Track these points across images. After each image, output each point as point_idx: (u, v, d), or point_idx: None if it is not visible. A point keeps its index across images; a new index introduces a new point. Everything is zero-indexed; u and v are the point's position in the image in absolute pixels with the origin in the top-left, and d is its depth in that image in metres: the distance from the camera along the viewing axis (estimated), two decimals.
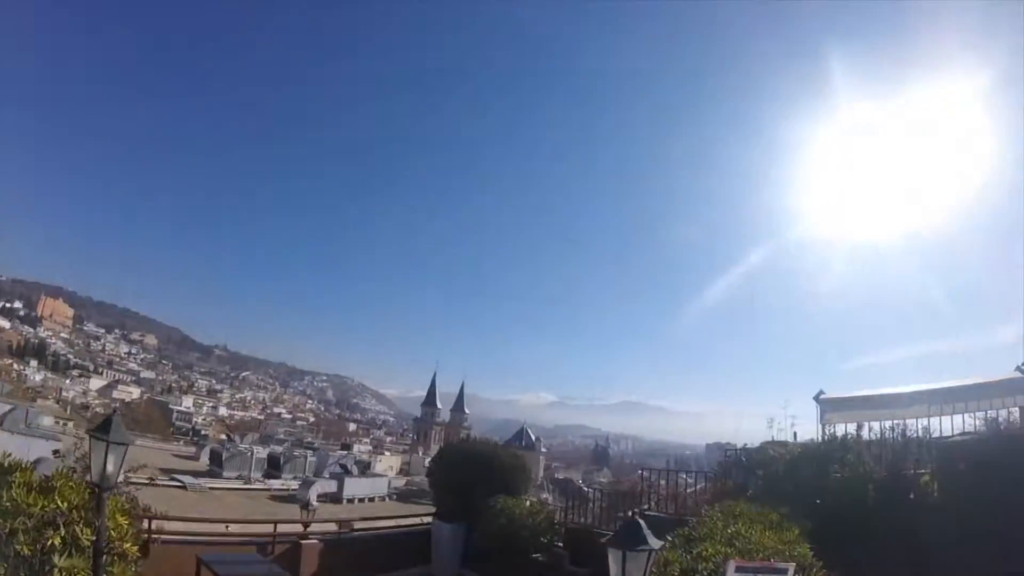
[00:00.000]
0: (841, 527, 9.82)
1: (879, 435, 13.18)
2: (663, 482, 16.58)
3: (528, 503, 17.36)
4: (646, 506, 15.45)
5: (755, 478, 13.01)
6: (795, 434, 41.75)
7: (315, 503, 17.66)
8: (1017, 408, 12.16)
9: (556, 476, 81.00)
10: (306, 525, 15.44)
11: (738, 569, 5.45)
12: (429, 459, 75.45)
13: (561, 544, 15.93)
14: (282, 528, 15.26)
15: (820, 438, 13.87)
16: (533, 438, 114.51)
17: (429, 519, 18.97)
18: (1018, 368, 12.17)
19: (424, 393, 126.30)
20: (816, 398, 14.70)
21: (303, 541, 14.93)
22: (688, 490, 15.45)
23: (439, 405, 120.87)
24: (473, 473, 17.58)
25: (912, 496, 11.33)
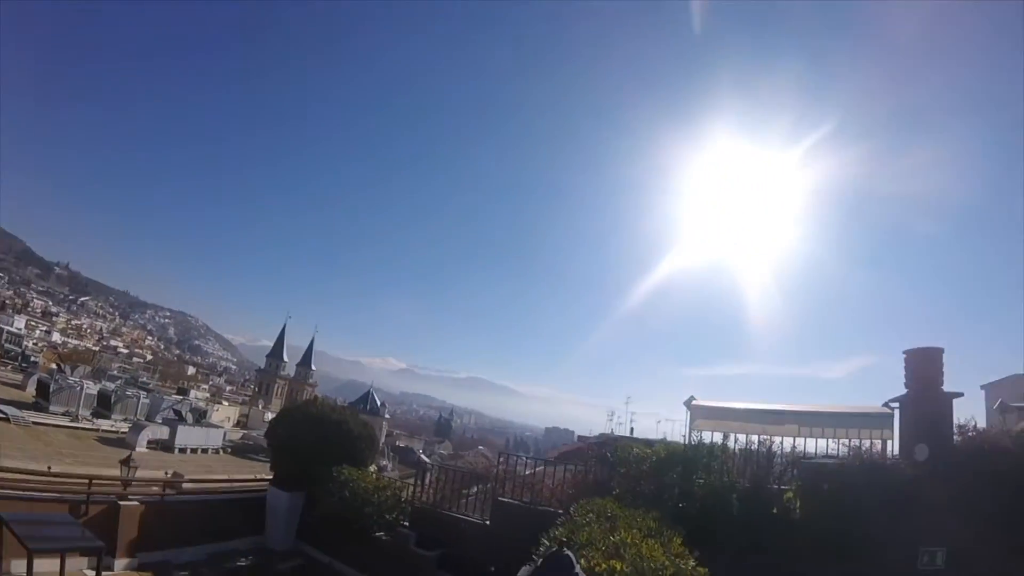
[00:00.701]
0: (704, 535, 9.52)
1: (744, 447, 13.11)
2: (525, 469, 15.86)
3: (374, 476, 16.29)
4: (500, 492, 14.66)
5: (618, 475, 12.52)
6: (631, 429, 42.48)
7: (136, 461, 16.09)
8: (881, 440, 12.44)
9: (397, 444, 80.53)
10: (126, 483, 13.81)
11: None
12: (270, 414, 73.73)
13: (407, 524, 15.00)
14: (101, 484, 13.40)
15: (687, 443, 13.52)
16: (379, 403, 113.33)
17: (266, 484, 17.39)
18: (886, 404, 12.59)
19: (271, 343, 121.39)
20: (687, 403, 14.49)
21: (122, 502, 12.96)
22: (546, 479, 14.66)
23: (286, 358, 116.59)
24: (318, 439, 16.23)
25: (775, 511, 11.30)
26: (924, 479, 10.89)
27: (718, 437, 13.29)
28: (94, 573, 10.30)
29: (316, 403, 18.31)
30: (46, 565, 9.21)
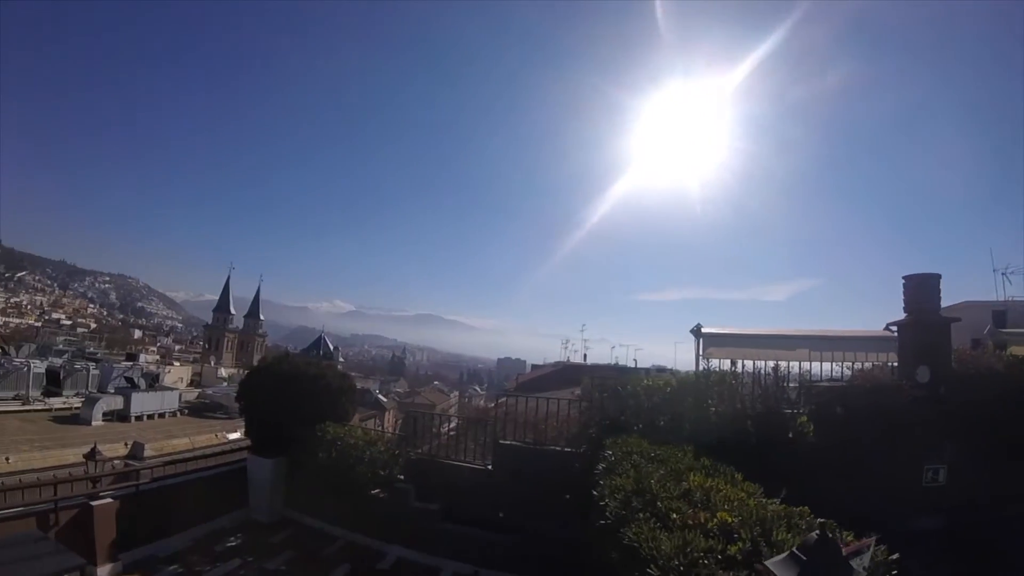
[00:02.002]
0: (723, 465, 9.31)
1: (754, 373, 12.94)
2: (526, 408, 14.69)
3: (360, 430, 15.41)
4: (501, 434, 14.09)
5: (630, 409, 12.05)
6: (585, 356, 42.87)
7: (98, 444, 15.27)
8: (884, 363, 12.88)
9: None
10: (95, 481, 12.86)
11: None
12: (223, 370, 72.58)
13: (403, 477, 14.32)
14: (69, 482, 12.34)
15: (697, 371, 13.35)
16: (331, 347, 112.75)
17: (244, 452, 16.67)
18: (888, 326, 13.13)
19: (215, 298, 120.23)
20: (695, 331, 14.27)
21: (95, 502, 11.63)
22: (549, 417, 14.12)
23: (233, 311, 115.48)
24: (295, 397, 15.25)
25: (790, 435, 11.18)
26: (926, 400, 11.12)
27: (727, 364, 13.10)
28: None
29: (287, 359, 17.34)
30: None
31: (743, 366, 13.15)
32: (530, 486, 12.42)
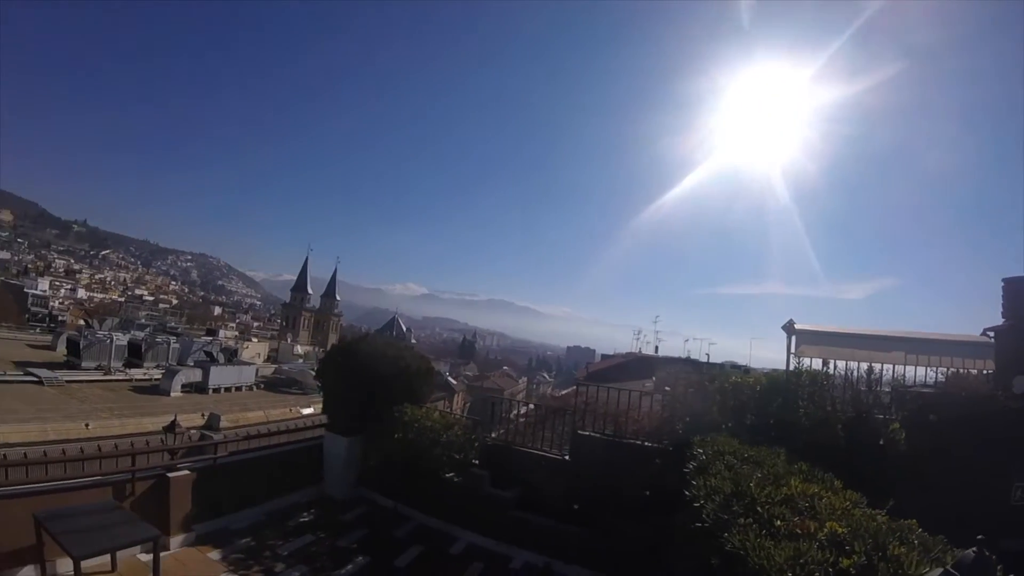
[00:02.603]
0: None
1: (844, 374, 12.46)
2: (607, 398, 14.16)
3: (438, 412, 15.38)
4: (580, 424, 13.74)
5: (717, 405, 11.59)
6: (656, 348, 42.21)
7: (181, 424, 15.47)
8: (980, 370, 12.41)
9: None
10: (173, 453, 12.91)
11: None
12: (299, 347, 74.01)
13: (477, 462, 14.28)
14: (147, 454, 12.07)
15: (787, 370, 12.93)
16: (404, 329, 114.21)
17: (321, 429, 16.57)
18: (985, 332, 12.37)
19: (292, 278, 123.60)
20: (786, 327, 13.86)
21: (171, 474, 11.71)
22: (631, 410, 13.73)
23: (310, 291, 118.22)
24: (374, 378, 15.25)
25: (881, 442, 10.80)
26: (1021, 413, 10.43)
27: (818, 364, 12.68)
28: (150, 557, 9.42)
29: (368, 339, 17.36)
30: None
31: (835, 366, 12.69)
32: (607, 480, 12.17)
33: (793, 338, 13.74)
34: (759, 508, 5.27)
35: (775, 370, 13.49)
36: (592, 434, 13.29)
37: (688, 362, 27.40)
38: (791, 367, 12.95)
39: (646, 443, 12.39)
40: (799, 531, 4.61)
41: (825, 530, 4.56)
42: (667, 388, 13.36)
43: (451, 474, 13.95)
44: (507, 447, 14.55)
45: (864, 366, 12.47)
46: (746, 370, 14.02)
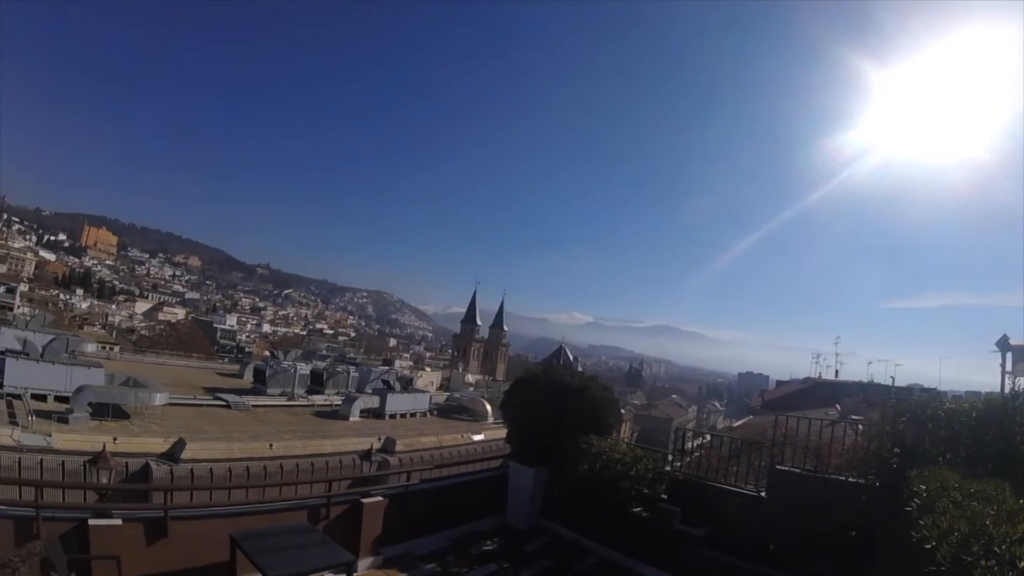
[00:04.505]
0: None
1: None
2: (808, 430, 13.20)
3: (626, 445, 15.02)
4: (778, 459, 12.87)
5: (928, 436, 10.26)
6: (837, 372, 39.73)
7: (377, 455, 15.81)
8: None
9: None
10: (367, 481, 13.29)
11: None
12: (470, 376, 75.62)
13: (666, 496, 13.70)
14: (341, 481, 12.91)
15: (1003, 393, 11.58)
16: (571, 358, 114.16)
17: (502, 459, 16.91)
18: None
19: (461, 310, 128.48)
20: (1001, 344, 12.47)
21: (365, 500, 12.28)
22: (832, 442, 12.72)
23: (479, 322, 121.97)
24: (559, 408, 15.18)
25: None
26: None
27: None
28: None
29: (552, 370, 17.29)
30: None
31: None
32: (808, 518, 11.32)
33: (1008, 355, 12.42)
34: (996, 548, 4.77)
35: (990, 393, 12.06)
36: (792, 468, 12.41)
37: (869, 387, 25.79)
38: (1007, 389, 11.43)
39: (849, 479, 11.53)
40: None
41: None
42: (854, 416, 12.38)
43: (638, 508, 13.49)
44: (698, 482, 13.92)
45: None
46: (936, 394, 12.78)
